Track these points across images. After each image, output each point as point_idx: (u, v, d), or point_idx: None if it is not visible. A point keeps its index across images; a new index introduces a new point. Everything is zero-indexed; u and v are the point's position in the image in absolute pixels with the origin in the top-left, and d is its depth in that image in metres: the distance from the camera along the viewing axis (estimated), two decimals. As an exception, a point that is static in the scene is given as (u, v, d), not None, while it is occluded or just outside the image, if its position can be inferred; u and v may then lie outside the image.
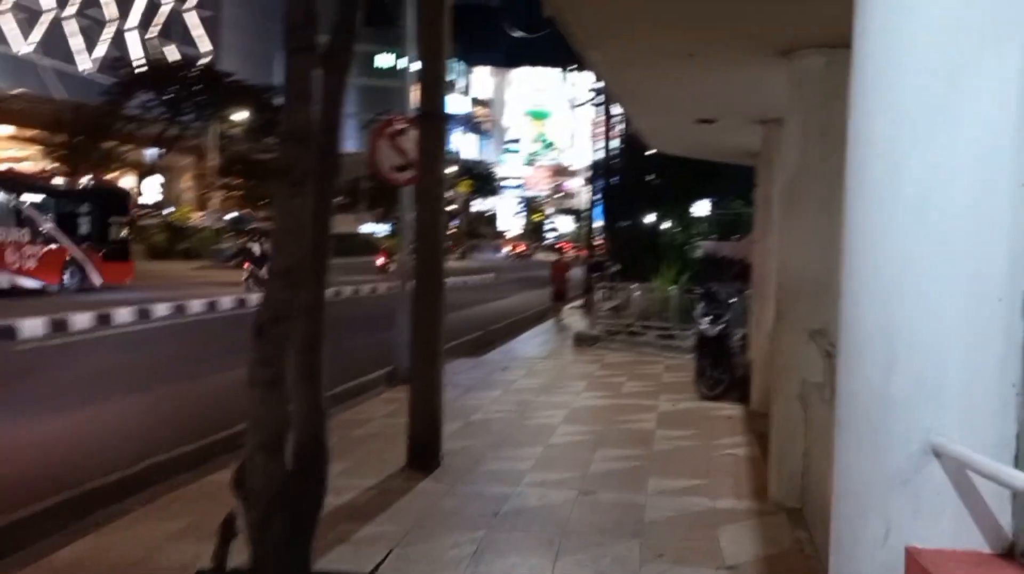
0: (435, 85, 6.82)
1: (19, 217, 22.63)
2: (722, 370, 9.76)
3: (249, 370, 3.94)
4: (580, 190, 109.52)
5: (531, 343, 16.10)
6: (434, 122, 6.81)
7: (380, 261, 38.68)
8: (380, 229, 66.62)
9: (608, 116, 29.05)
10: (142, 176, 55.15)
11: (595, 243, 30.08)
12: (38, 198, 23.69)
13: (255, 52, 77.56)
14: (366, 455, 7.11)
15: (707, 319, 10.01)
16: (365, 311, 19.09)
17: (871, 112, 2.17)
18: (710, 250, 28.04)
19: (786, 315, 5.91)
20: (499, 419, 8.78)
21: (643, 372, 12.09)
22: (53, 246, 23.26)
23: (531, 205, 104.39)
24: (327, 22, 4.37)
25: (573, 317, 21.87)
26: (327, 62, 4.24)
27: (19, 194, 23.12)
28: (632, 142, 31.66)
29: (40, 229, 23.07)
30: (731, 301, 10.20)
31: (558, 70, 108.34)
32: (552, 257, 32.55)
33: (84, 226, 24.82)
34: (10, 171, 30.70)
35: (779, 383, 5.97)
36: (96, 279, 24.58)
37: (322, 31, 4.17)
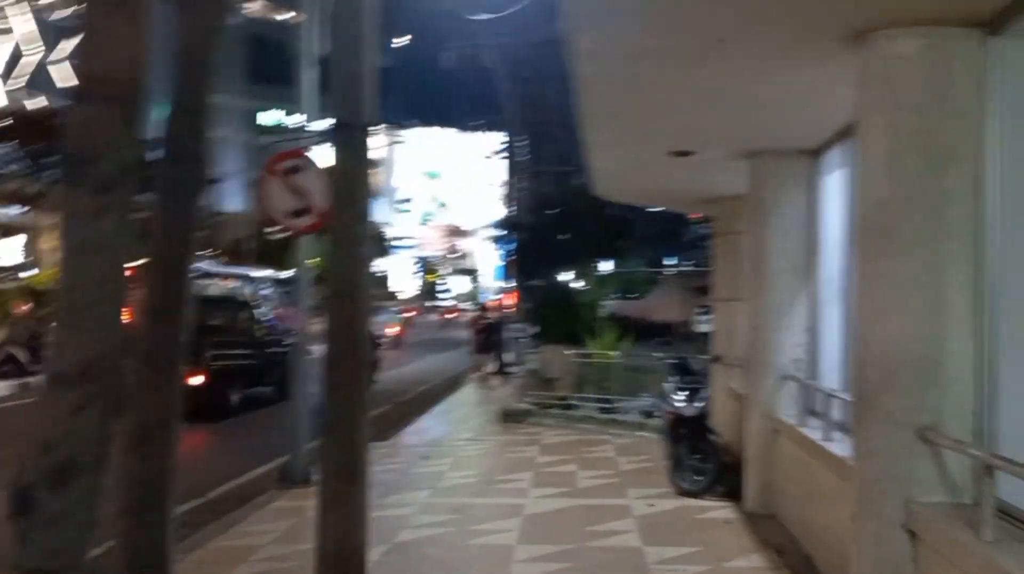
0: (354, 84, 4.83)
1: None
2: (703, 458, 7.92)
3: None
4: (475, 250, 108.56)
5: (450, 419, 13.97)
6: (353, 134, 4.79)
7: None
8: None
9: (513, 173, 27.71)
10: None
11: (488, 304, 28.40)
12: None
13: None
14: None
15: (682, 395, 8.20)
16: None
17: None
18: (613, 309, 26.63)
19: (874, 406, 4.10)
20: (435, 538, 6.64)
21: (593, 456, 10.14)
22: None
23: (426, 265, 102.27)
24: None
25: (486, 386, 19.89)
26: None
27: None
28: (540, 199, 30.42)
29: None
30: (707, 373, 8.44)
31: (452, 130, 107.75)
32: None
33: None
34: None
35: (867, 504, 4.12)
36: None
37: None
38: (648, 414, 11.98)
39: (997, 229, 3.86)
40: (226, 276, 30.62)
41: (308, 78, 9.32)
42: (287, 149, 9.21)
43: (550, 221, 26.82)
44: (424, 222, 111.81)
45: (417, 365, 26.65)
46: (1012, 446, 3.76)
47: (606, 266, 32.34)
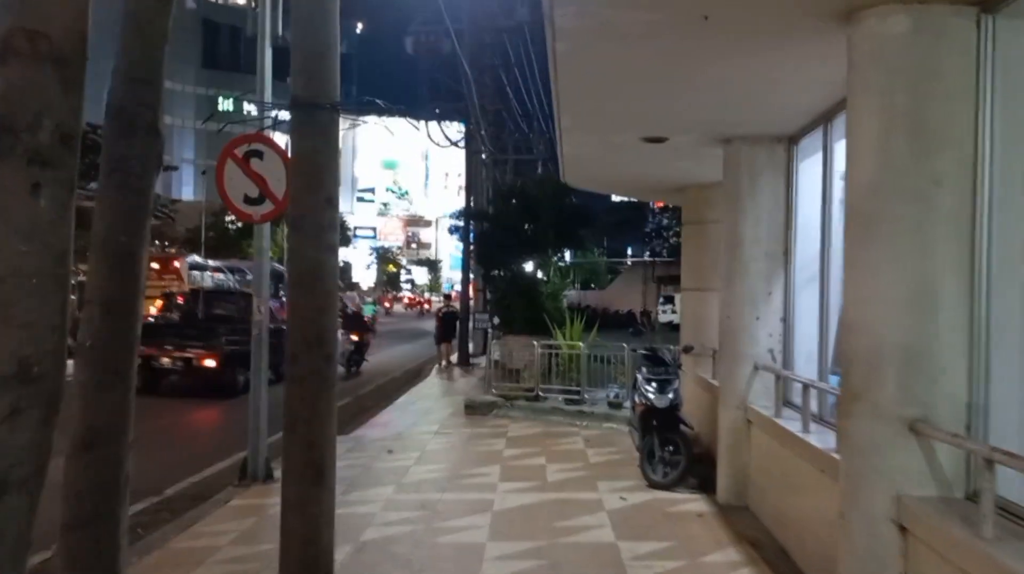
0: (318, 59, 4.56)
1: None
2: (675, 450, 7.79)
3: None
4: (434, 240, 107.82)
5: (413, 411, 13.69)
6: (319, 114, 4.52)
7: None
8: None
9: (471, 163, 27.45)
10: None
11: (451, 294, 28.12)
12: None
13: (87, 93, 71.48)
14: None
15: (653, 387, 8.05)
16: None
17: None
18: (574, 299, 26.51)
19: (862, 398, 3.96)
20: (402, 537, 6.40)
21: (561, 448, 9.98)
22: None
23: (385, 256, 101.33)
24: None
25: (448, 377, 19.66)
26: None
27: None
28: (502, 189, 30.07)
29: None
30: (680, 364, 8.30)
31: (408, 119, 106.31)
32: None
33: None
34: None
35: (855, 498, 3.98)
36: None
37: None
38: (615, 405, 11.87)
39: (989, 214, 3.74)
40: (217, 269, 32.69)
41: (266, 58, 8.96)
42: (247, 132, 8.84)
43: (512, 211, 26.56)
44: (383, 212, 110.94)
45: (377, 356, 26.30)
46: (1004, 438, 3.65)
47: (566, 256, 32.23)
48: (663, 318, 45.96)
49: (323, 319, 4.55)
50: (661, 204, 67.26)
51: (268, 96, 9.39)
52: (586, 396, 12.30)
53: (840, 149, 6.09)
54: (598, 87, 5.75)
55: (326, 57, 4.56)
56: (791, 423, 6.02)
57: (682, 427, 7.91)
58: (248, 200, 8.35)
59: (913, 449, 3.80)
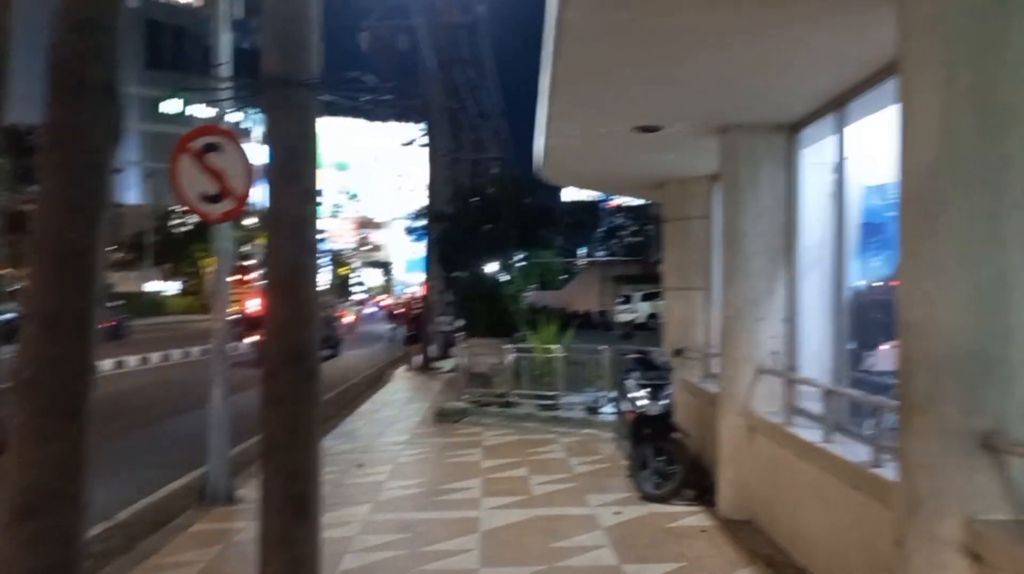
0: (295, 29, 3.97)
1: None
2: (669, 460, 7.33)
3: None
4: (387, 242, 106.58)
5: (379, 420, 13.06)
6: (294, 93, 3.94)
7: None
8: (169, 287, 60.07)
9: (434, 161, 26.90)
10: None
11: (406, 296, 27.70)
12: None
13: (29, 96, 69.17)
14: None
15: (644, 392, 7.59)
16: (164, 388, 15.26)
17: None
18: (531, 300, 26.15)
19: (925, 409, 3.51)
20: (385, 564, 5.83)
21: (542, 458, 9.46)
22: None
23: (337, 258, 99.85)
24: None
25: (412, 382, 19.05)
26: None
27: None
28: (462, 189, 29.52)
29: None
30: (671, 368, 7.84)
31: (361, 120, 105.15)
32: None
33: None
34: None
35: (917, 523, 3.53)
36: None
37: None
38: (592, 410, 11.40)
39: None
40: None
41: (225, 41, 8.30)
42: (202, 125, 8.16)
43: (471, 210, 26.04)
44: (334, 214, 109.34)
45: (336, 361, 25.54)
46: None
47: (522, 257, 31.77)
48: (621, 318, 45.83)
49: (304, 331, 3.96)
50: (614, 204, 67.41)
51: (227, 77, 8.69)
52: (562, 401, 11.81)
53: (855, 136, 5.69)
54: (599, 67, 5.24)
55: (304, 27, 3.97)
56: (807, 432, 5.59)
57: (676, 435, 7.45)
58: (206, 198, 7.69)
59: (985, 466, 3.36)
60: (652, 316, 43.18)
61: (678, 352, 8.13)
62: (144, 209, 60.28)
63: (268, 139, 4.02)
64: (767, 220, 6.63)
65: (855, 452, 4.83)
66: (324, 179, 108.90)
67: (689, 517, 6.81)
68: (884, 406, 4.55)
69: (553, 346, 12.20)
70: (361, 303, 68.45)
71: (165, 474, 9.12)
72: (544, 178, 9.94)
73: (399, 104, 30.25)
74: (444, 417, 12.17)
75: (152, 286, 57.61)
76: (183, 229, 58.28)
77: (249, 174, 7.56)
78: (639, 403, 7.49)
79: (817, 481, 5.20)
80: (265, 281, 4.01)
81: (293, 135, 3.96)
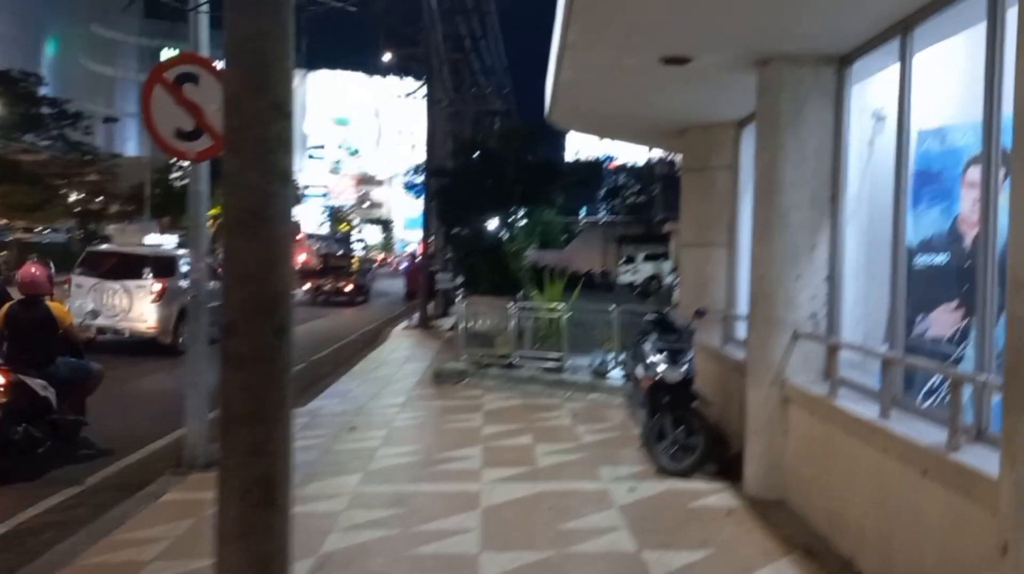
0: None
1: None
2: (689, 431, 6.66)
3: None
4: (387, 199, 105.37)
5: (375, 380, 12.41)
6: (261, 9, 3.16)
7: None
8: (167, 241, 59.10)
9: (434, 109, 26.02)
10: None
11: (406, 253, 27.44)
12: None
13: (12, 37, 67.63)
14: None
15: (662, 357, 6.89)
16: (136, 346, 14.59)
17: None
18: (532, 259, 25.51)
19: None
20: (375, 546, 5.17)
21: (547, 424, 8.81)
22: None
23: (337, 215, 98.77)
24: None
25: (409, 338, 18.41)
26: None
27: None
28: (463, 142, 28.62)
29: None
30: (692, 330, 7.13)
31: (360, 74, 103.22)
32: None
33: None
34: None
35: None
36: None
37: None
38: (600, 374, 10.74)
39: None
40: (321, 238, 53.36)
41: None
42: (181, 54, 7.35)
43: (473, 165, 25.21)
44: (334, 170, 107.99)
45: (335, 317, 24.90)
46: None
47: (523, 214, 30.97)
48: (624, 278, 45.13)
49: (274, 276, 3.23)
50: (615, 165, 66.28)
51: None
52: (568, 364, 11.13)
53: (922, 66, 4.91)
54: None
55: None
56: (858, 406, 4.90)
57: (698, 404, 6.78)
58: (181, 135, 6.93)
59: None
60: (653, 277, 42.52)
61: (699, 313, 7.42)
62: (142, 161, 59.16)
63: (229, 40, 3.26)
64: (811, 166, 5.88)
65: (923, 432, 4.14)
66: (324, 134, 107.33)
67: (712, 496, 6.16)
68: (980, 381, 3.83)
69: (559, 305, 11.47)
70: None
71: (151, 429, 8.49)
72: (553, 122, 9.15)
73: (398, 52, 29.24)
74: (444, 378, 11.51)
75: (151, 239, 56.81)
76: (183, 182, 57.23)
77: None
78: (657, 368, 6.79)
79: (873, 464, 4.51)
80: (224, 215, 3.28)
81: (262, 34, 3.19)
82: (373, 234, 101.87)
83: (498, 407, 9.79)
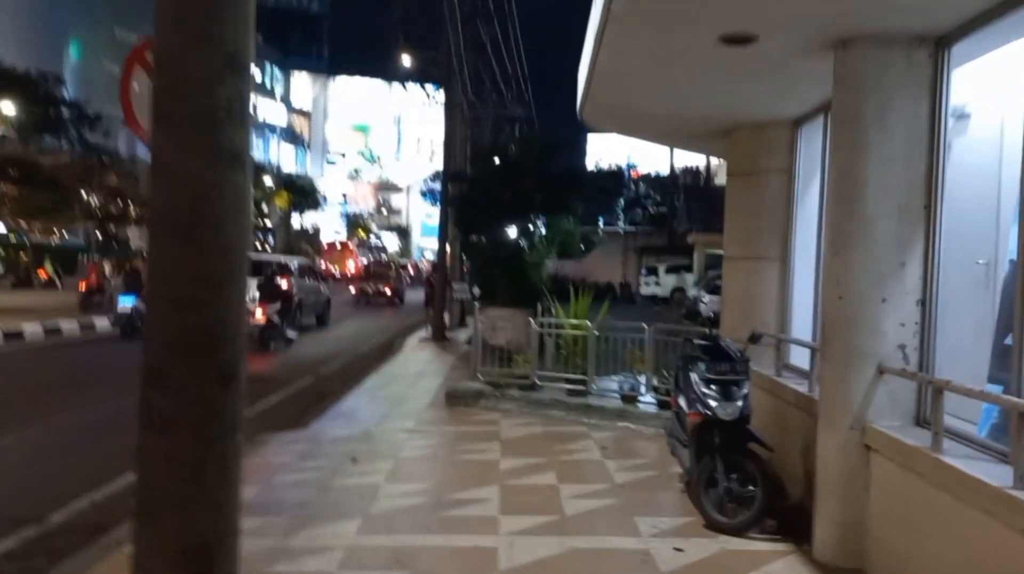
0: None
1: None
2: (745, 479, 5.67)
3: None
4: (405, 207, 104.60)
5: (384, 399, 11.48)
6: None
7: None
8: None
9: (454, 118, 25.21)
10: None
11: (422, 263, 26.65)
12: None
13: (35, 40, 67.58)
14: None
15: (714, 390, 5.90)
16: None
17: None
18: (550, 269, 24.60)
19: None
20: (369, 626, 4.22)
21: (573, 458, 7.83)
22: None
23: (355, 221, 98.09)
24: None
25: (423, 350, 17.50)
26: None
27: None
28: (482, 149, 27.76)
29: None
30: (747, 358, 6.14)
31: (379, 81, 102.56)
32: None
33: None
34: None
35: None
36: None
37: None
38: (630, 399, 9.76)
39: None
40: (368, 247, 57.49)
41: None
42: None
43: (493, 172, 24.35)
44: (354, 176, 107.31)
45: (342, 329, 24.05)
46: None
47: (543, 223, 30.08)
48: (645, 290, 44.01)
49: (219, 299, 2.30)
50: (638, 174, 65.17)
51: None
52: (594, 387, 10.16)
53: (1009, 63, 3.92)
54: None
55: None
56: (976, 466, 3.90)
57: (755, 447, 5.79)
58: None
59: None
60: (677, 290, 41.36)
61: (754, 338, 6.43)
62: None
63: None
64: (899, 168, 4.89)
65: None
66: (344, 141, 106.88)
67: (777, 561, 5.15)
68: None
69: (585, 322, 10.49)
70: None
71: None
72: (584, 119, 8.19)
73: (419, 55, 28.43)
74: (457, 400, 10.56)
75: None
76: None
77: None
78: (710, 403, 5.81)
79: (999, 543, 3.52)
80: (150, 213, 2.37)
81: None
82: (391, 241, 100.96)
83: (518, 435, 8.81)
